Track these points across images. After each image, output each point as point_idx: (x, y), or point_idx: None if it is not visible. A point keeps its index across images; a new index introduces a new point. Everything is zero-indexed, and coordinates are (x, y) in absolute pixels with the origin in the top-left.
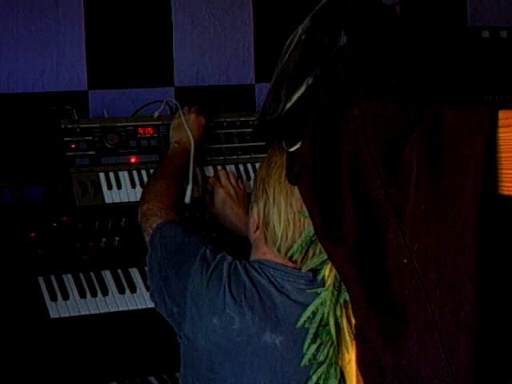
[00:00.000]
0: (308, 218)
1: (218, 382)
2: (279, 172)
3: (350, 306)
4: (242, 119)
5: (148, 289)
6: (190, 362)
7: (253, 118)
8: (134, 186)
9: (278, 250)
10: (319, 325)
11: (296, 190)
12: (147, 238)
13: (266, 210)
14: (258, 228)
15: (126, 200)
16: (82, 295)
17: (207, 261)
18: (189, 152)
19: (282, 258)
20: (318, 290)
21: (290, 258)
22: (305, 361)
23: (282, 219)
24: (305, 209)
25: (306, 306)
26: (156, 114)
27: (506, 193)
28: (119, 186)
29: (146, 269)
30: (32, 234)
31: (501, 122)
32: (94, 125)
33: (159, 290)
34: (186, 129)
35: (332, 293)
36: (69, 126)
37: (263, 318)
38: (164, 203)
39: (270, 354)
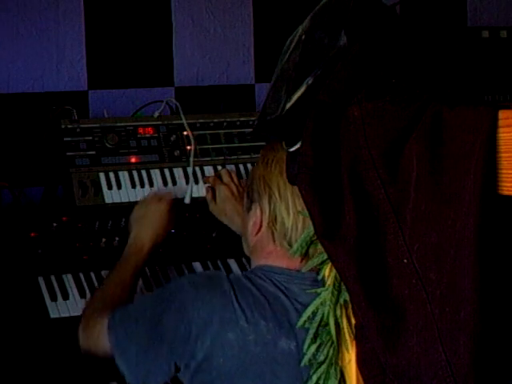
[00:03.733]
0: None
1: None
2: (279, 167)
3: (349, 305)
4: (241, 119)
5: (148, 289)
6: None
7: (253, 118)
8: (134, 186)
9: (289, 244)
10: (319, 325)
11: None
12: (107, 348)
13: (272, 205)
14: (259, 230)
15: (126, 200)
16: (82, 295)
17: (198, 286)
18: (150, 249)
19: (286, 260)
20: (318, 290)
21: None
22: (305, 361)
23: (290, 211)
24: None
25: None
26: (156, 114)
27: (506, 193)
28: (119, 186)
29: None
30: (32, 234)
31: (501, 122)
32: (94, 125)
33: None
34: (148, 223)
35: (332, 293)
36: (69, 126)
37: (277, 324)
38: (106, 311)
39: (288, 360)
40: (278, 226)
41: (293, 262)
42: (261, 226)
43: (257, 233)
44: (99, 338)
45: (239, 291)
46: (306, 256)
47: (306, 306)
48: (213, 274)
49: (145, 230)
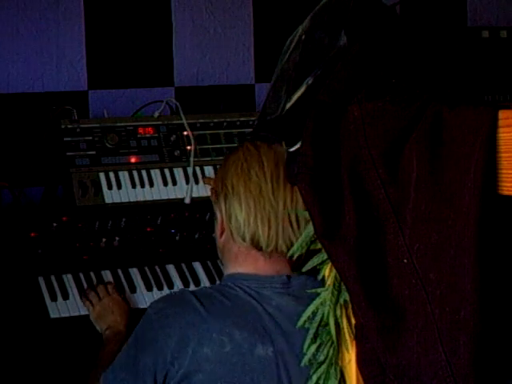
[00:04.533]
0: (270, 202)
1: None
2: (235, 165)
3: (349, 305)
4: (242, 119)
5: (148, 288)
6: None
7: (253, 118)
8: (134, 186)
9: (243, 239)
10: (319, 325)
11: (253, 177)
12: None
13: (227, 203)
14: (222, 231)
15: (126, 200)
16: (83, 293)
17: (164, 313)
18: (126, 331)
19: (253, 264)
20: (318, 290)
21: (256, 247)
22: (305, 361)
23: (242, 206)
24: (300, 208)
25: (288, 310)
26: (156, 114)
27: (506, 193)
28: (119, 186)
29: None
30: (32, 234)
31: (501, 122)
32: (94, 125)
33: None
34: (111, 313)
35: (332, 293)
36: (69, 126)
37: (251, 332)
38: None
39: (266, 367)
40: (232, 222)
41: (260, 265)
42: (223, 227)
43: (221, 235)
44: None
45: (209, 305)
46: (270, 258)
47: (279, 310)
48: (177, 295)
49: (113, 319)
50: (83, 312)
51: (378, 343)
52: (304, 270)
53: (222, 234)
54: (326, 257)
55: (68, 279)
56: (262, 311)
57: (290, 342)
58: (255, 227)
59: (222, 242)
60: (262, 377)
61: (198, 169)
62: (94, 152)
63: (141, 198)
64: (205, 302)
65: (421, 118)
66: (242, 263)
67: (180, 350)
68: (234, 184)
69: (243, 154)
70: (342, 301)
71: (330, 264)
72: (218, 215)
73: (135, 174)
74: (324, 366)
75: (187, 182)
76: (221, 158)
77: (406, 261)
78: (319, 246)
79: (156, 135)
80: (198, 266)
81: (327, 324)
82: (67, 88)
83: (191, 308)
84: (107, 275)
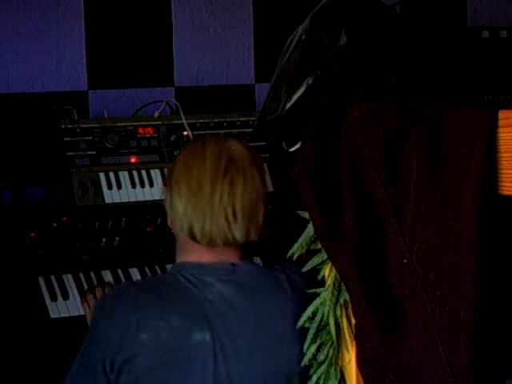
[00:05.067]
0: (207, 197)
1: None
2: (181, 161)
3: (349, 306)
4: (242, 119)
5: None
6: None
7: (253, 118)
8: (134, 186)
9: (182, 230)
10: (319, 325)
11: (195, 172)
12: None
13: (171, 195)
14: (172, 221)
15: (126, 200)
16: (82, 295)
17: (105, 307)
18: None
19: (197, 253)
20: (318, 290)
21: (193, 238)
22: (305, 361)
23: (182, 200)
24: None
25: (230, 297)
26: (156, 114)
27: (506, 193)
28: (119, 186)
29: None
30: (32, 234)
31: (501, 122)
32: (94, 125)
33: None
34: None
35: (332, 293)
36: (69, 126)
37: (189, 318)
38: None
39: (203, 353)
40: (174, 213)
41: (204, 255)
42: (171, 218)
43: (171, 224)
44: None
45: (148, 293)
46: (214, 248)
47: (221, 296)
48: (117, 288)
49: None
50: (83, 312)
51: (378, 343)
52: (304, 269)
53: (172, 223)
54: (325, 257)
55: (68, 279)
56: (203, 298)
57: (228, 328)
58: (192, 220)
59: (175, 231)
60: (199, 362)
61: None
62: (94, 152)
63: (141, 198)
64: (143, 291)
65: (421, 118)
66: (187, 252)
67: (122, 339)
68: (178, 178)
69: (189, 151)
70: (341, 301)
71: (329, 264)
72: (167, 209)
73: (135, 174)
74: (324, 366)
75: None
76: None
77: (405, 261)
78: (319, 246)
79: (156, 135)
80: None
81: (327, 324)
82: (67, 88)
83: (129, 297)
84: (107, 275)
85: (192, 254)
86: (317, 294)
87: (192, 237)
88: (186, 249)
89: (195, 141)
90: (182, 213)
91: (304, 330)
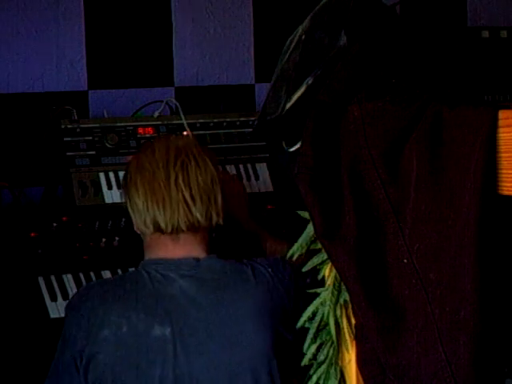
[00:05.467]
0: (163, 185)
1: None
2: (134, 160)
3: (349, 306)
4: (241, 119)
5: None
6: (99, 381)
7: (253, 118)
8: None
9: (146, 225)
10: (319, 325)
11: (147, 165)
12: None
13: (129, 194)
14: (138, 227)
15: None
16: None
17: (71, 306)
18: None
19: (163, 249)
20: (318, 290)
21: (159, 230)
22: (305, 361)
23: (139, 193)
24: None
25: (191, 292)
26: (156, 114)
27: (506, 193)
28: (119, 186)
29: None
30: (32, 234)
31: (501, 122)
32: (94, 125)
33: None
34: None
35: (332, 293)
36: (69, 126)
37: (149, 313)
38: None
39: (162, 347)
40: (135, 212)
41: (169, 250)
42: (137, 225)
43: (137, 228)
44: None
45: (111, 290)
46: (178, 240)
47: (182, 292)
48: (83, 287)
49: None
50: None
51: (378, 343)
52: (304, 269)
53: (137, 227)
54: (325, 257)
55: (68, 279)
56: (164, 294)
57: (189, 324)
58: (153, 211)
59: (142, 236)
60: (159, 357)
61: None
62: (93, 152)
63: None
64: (108, 288)
65: (421, 118)
66: (153, 249)
67: (88, 336)
68: (132, 176)
69: (140, 151)
70: (341, 301)
71: (329, 264)
72: (128, 209)
73: None
74: (324, 366)
75: None
76: (221, 157)
77: (405, 261)
78: (319, 246)
79: (156, 135)
80: None
81: (327, 324)
82: (67, 88)
83: (94, 295)
84: (107, 275)
85: (157, 251)
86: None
87: (158, 228)
88: (152, 246)
89: (143, 145)
90: (142, 208)
91: (268, 323)
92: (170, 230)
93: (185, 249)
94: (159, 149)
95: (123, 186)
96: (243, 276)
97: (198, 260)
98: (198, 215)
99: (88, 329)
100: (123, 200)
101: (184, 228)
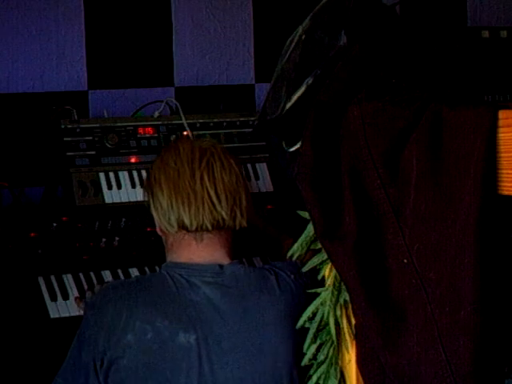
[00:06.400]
0: (188, 183)
1: None
2: (157, 160)
3: (350, 306)
4: (241, 119)
5: None
6: None
7: (253, 118)
8: (133, 186)
9: (171, 224)
10: (319, 325)
11: (171, 164)
12: None
13: (152, 194)
14: (159, 226)
15: (126, 200)
16: (82, 295)
17: (94, 305)
18: None
19: (186, 251)
20: (318, 290)
21: (183, 227)
22: (305, 361)
23: (164, 192)
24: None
25: (216, 299)
26: (156, 114)
27: (505, 193)
28: (119, 186)
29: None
30: (32, 234)
31: (501, 122)
32: (94, 125)
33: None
34: None
35: (332, 293)
36: (69, 126)
37: (174, 320)
38: None
39: (187, 354)
40: (159, 211)
41: (193, 251)
42: (159, 226)
43: (161, 231)
44: None
45: (135, 294)
46: (202, 241)
47: (205, 299)
48: (107, 286)
49: None
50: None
51: (378, 343)
52: (304, 269)
53: (161, 231)
54: (325, 257)
55: (68, 279)
56: (188, 300)
57: (213, 331)
58: (178, 209)
59: (164, 239)
60: (184, 364)
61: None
62: (93, 152)
63: (141, 198)
64: (132, 291)
65: (421, 118)
66: (176, 251)
67: (109, 339)
68: (156, 175)
69: (163, 151)
70: (342, 301)
71: (329, 264)
72: (153, 213)
73: (135, 174)
74: (324, 366)
75: None
76: None
77: (405, 261)
78: (319, 246)
79: (156, 135)
80: None
81: (327, 324)
82: (67, 88)
83: (118, 298)
84: (107, 275)
85: (181, 252)
86: (307, 293)
87: (182, 226)
88: (175, 247)
89: (167, 145)
90: (166, 207)
91: (290, 331)
92: (194, 227)
93: (208, 250)
94: (184, 148)
95: (146, 185)
96: (268, 284)
97: (221, 266)
98: (223, 213)
99: (110, 331)
100: (145, 199)
101: (209, 226)
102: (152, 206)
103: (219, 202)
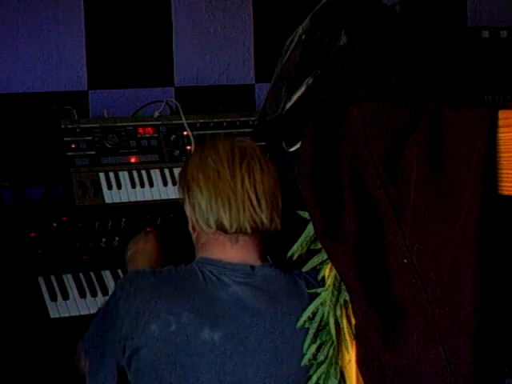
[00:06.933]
0: (228, 184)
1: None
2: (194, 158)
3: (350, 306)
4: (241, 119)
5: None
6: (139, 379)
7: (253, 118)
8: (133, 186)
9: (208, 225)
10: (319, 325)
11: (211, 163)
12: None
13: (190, 194)
14: (193, 226)
15: (126, 200)
16: (82, 295)
17: (124, 287)
18: None
19: (219, 249)
20: (318, 290)
21: (222, 229)
22: (305, 361)
23: (203, 192)
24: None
25: (245, 299)
26: (156, 114)
27: (505, 193)
28: (119, 186)
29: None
30: (32, 234)
31: (501, 122)
32: (94, 125)
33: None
34: (141, 258)
35: (332, 293)
36: (69, 126)
37: (200, 315)
38: None
39: (210, 351)
40: (196, 211)
41: (226, 250)
42: (193, 222)
43: (193, 230)
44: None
45: (165, 285)
46: (237, 242)
47: (235, 298)
48: (140, 272)
49: (138, 266)
50: (83, 312)
51: (378, 343)
52: (304, 269)
53: (193, 229)
54: (326, 257)
55: (68, 279)
56: (217, 297)
57: (239, 331)
58: (217, 210)
59: (194, 238)
60: (205, 360)
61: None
62: (93, 152)
63: (141, 198)
64: (162, 282)
65: (421, 118)
66: (208, 249)
67: (134, 326)
68: (194, 174)
69: (200, 148)
70: (342, 301)
71: (329, 264)
72: (187, 210)
73: (135, 174)
74: (324, 366)
75: None
76: None
77: (405, 261)
78: (319, 245)
79: (156, 135)
80: None
81: (327, 324)
82: (67, 88)
83: (148, 286)
84: (107, 275)
85: (213, 250)
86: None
87: (221, 228)
88: (208, 245)
89: (202, 142)
90: (205, 208)
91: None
92: (234, 229)
93: (241, 252)
94: (223, 147)
95: (182, 183)
96: (298, 289)
97: (253, 268)
98: (263, 216)
99: (136, 318)
100: (180, 196)
101: (248, 229)
102: (188, 204)
103: (259, 206)
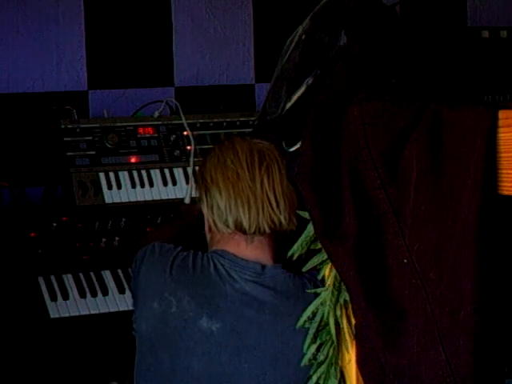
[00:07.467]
0: (248, 185)
1: (156, 366)
2: (212, 158)
3: (350, 306)
4: (241, 119)
5: None
6: (138, 347)
7: (253, 118)
8: (133, 186)
9: (227, 225)
10: (319, 325)
11: (230, 164)
12: None
13: (208, 194)
14: (210, 225)
15: (126, 200)
16: (82, 295)
17: (154, 250)
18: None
19: (234, 245)
20: (318, 290)
21: (240, 230)
22: (305, 361)
23: (222, 193)
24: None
25: (250, 297)
26: (156, 114)
27: (505, 193)
28: (119, 186)
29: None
30: (32, 234)
31: (501, 122)
32: (94, 125)
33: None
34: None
35: (332, 293)
36: (69, 126)
37: (201, 303)
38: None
39: (205, 340)
40: (215, 211)
41: (241, 249)
42: (209, 222)
43: (209, 230)
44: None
45: (177, 266)
46: (252, 242)
47: (241, 294)
48: (164, 247)
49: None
50: (83, 312)
51: (378, 343)
52: (304, 269)
53: (210, 229)
54: (326, 257)
55: (68, 279)
56: (222, 290)
57: (239, 326)
58: (236, 211)
59: (209, 237)
60: (199, 348)
61: (197, 169)
62: (93, 152)
63: (141, 198)
64: (176, 263)
65: (421, 118)
66: (223, 244)
67: (141, 296)
68: (213, 175)
69: (218, 149)
70: (342, 301)
71: (329, 264)
72: (204, 210)
73: (135, 174)
74: (324, 366)
75: (187, 182)
76: None
77: (405, 261)
78: (319, 246)
79: (156, 135)
80: None
81: (327, 324)
82: (67, 88)
83: (163, 264)
84: (107, 275)
85: (226, 244)
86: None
87: (239, 229)
88: (222, 241)
89: (220, 143)
90: (224, 208)
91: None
92: (253, 230)
93: (256, 251)
94: (242, 149)
95: (200, 183)
96: (305, 293)
97: (263, 267)
98: (282, 217)
99: (143, 290)
100: (197, 196)
101: (267, 229)
102: (205, 205)
103: (278, 207)
